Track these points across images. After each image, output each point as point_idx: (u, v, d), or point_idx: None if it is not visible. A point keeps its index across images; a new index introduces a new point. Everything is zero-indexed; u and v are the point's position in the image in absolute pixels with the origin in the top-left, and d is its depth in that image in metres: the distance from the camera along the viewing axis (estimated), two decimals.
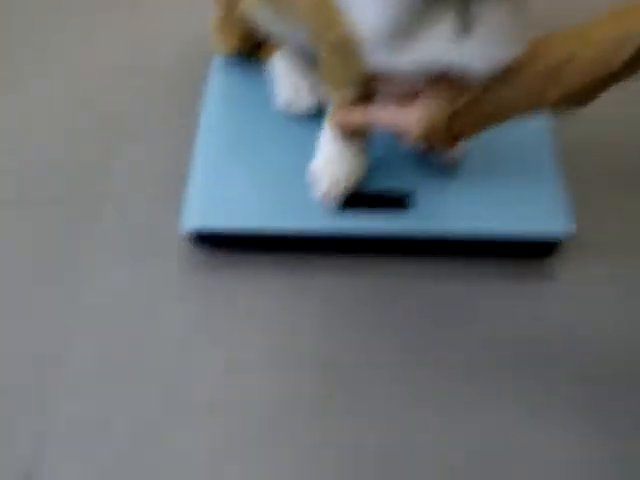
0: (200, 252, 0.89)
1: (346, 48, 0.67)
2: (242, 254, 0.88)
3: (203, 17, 0.94)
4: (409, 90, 0.71)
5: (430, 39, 0.63)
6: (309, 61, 0.90)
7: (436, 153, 0.86)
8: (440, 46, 0.63)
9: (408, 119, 0.71)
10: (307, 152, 0.85)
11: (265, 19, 0.86)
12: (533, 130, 0.91)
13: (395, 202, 0.85)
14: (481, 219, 0.84)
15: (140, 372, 0.80)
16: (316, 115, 0.89)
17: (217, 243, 0.88)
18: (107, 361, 0.81)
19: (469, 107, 0.69)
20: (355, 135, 0.80)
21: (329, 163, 0.82)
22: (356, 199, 0.85)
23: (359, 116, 0.76)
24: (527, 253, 0.88)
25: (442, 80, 0.67)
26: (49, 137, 0.99)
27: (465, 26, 0.62)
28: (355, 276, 0.87)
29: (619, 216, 0.91)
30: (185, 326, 0.84)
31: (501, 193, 0.85)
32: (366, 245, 0.87)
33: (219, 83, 0.95)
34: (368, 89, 0.74)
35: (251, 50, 0.93)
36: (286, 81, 0.92)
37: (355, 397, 0.79)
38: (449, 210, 0.85)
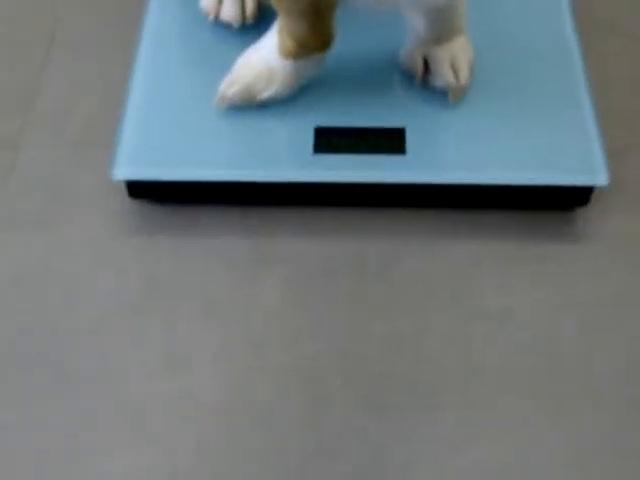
0: (137, 207, 0.74)
1: None
2: (189, 208, 0.74)
3: None
4: None
5: None
6: None
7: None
8: None
9: None
10: None
11: None
12: (557, 49, 0.77)
13: (386, 143, 0.71)
14: (491, 162, 0.70)
15: (64, 366, 0.65)
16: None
17: (157, 195, 0.74)
18: (24, 352, 0.66)
19: None
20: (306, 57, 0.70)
21: (253, 66, 0.72)
22: (332, 138, 0.72)
23: None
24: (549, 204, 0.73)
25: None
26: None
27: None
28: (331, 237, 0.72)
29: None
30: (119, 302, 0.69)
31: (516, 130, 0.72)
32: (343, 196, 0.73)
33: None
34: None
35: None
36: None
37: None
38: (451, 151, 0.71)
